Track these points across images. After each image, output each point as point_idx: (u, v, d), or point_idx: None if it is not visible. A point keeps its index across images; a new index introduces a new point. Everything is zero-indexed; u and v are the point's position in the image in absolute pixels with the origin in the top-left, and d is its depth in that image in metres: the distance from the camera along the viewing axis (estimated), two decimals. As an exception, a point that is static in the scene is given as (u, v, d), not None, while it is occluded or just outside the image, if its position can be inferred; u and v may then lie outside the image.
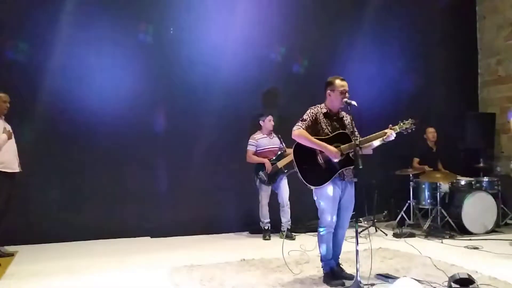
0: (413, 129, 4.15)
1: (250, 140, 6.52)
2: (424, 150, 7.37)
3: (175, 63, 6.73)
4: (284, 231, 6.40)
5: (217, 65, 6.81)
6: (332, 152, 3.94)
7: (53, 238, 6.04)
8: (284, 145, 6.45)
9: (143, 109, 6.54)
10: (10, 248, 5.58)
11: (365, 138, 4.06)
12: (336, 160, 3.96)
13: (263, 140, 6.51)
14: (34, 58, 6.08)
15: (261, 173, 6.37)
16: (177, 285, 4.12)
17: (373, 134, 4.07)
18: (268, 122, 6.51)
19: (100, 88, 6.35)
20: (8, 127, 5.38)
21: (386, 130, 4.08)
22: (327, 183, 3.99)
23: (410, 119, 4.15)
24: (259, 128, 6.61)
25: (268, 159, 6.37)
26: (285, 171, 6.28)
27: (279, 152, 6.45)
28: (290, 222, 6.36)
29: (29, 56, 6.05)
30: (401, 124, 4.13)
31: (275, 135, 6.56)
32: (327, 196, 4.02)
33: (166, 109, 6.65)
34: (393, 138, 4.07)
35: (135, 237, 6.38)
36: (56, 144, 6.19)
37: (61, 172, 6.20)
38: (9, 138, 5.30)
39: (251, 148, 6.48)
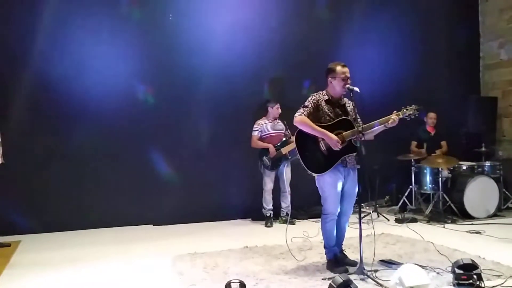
0: (416, 115, 4.12)
1: (254, 126, 6.53)
2: (422, 134, 7.35)
3: (174, 50, 6.66)
4: (283, 216, 6.44)
5: (217, 51, 6.73)
6: (333, 140, 3.92)
7: (55, 227, 6.05)
8: (289, 132, 6.44)
9: (143, 96, 6.49)
10: (13, 238, 5.59)
11: (368, 124, 4.03)
12: (337, 149, 3.94)
13: (267, 125, 6.51)
14: (31, 45, 6.01)
15: (264, 158, 6.39)
16: (180, 273, 4.13)
17: (376, 120, 4.04)
18: (275, 110, 6.54)
19: (98, 75, 6.29)
20: None
21: (390, 116, 4.04)
22: (329, 170, 3.98)
23: (413, 105, 4.11)
24: (264, 114, 6.62)
25: (273, 145, 6.37)
26: (289, 158, 6.28)
27: (284, 139, 6.45)
28: (290, 208, 6.38)
29: (27, 43, 6.00)
30: (404, 110, 4.09)
31: (279, 121, 6.56)
32: (330, 183, 4.01)
33: (166, 96, 6.60)
34: (396, 123, 4.04)
35: (137, 225, 6.38)
36: (55, 133, 6.16)
37: (62, 160, 6.17)
38: None
39: (255, 134, 6.50)
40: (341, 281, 3.17)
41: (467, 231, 5.66)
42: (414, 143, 7.34)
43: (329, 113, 4.06)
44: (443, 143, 7.33)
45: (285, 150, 6.31)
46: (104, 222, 6.26)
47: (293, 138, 6.08)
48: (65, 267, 4.44)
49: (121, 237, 5.78)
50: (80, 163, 6.25)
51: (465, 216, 6.40)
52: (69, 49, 6.19)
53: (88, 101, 6.23)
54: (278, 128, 6.53)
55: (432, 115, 7.34)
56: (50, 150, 6.13)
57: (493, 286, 3.55)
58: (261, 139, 6.49)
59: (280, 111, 6.54)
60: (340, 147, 3.94)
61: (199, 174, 6.71)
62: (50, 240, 5.69)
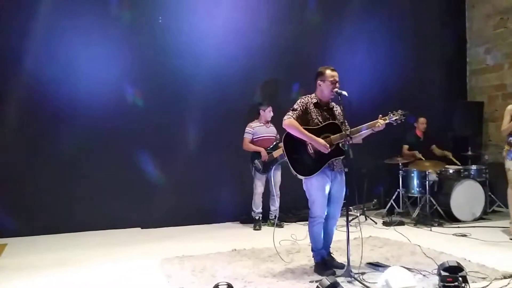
0: (403, 120, 4.16)
1: (247, 128, 6.53)
2: (412, 139, 7.41)
3: (164, 52, 6.65)
4: (272, 219, 6.46)
5: (206, 54, 6.76)
6: (321, 145, 3.95)
7: (42, 230, 6.00)
8: (278, 136, 6.48)
9: (132, 98, 6.47)
10: (-1, 241, 5.55)
11: (355, 128, 4.06)
12: (326, 152, 3.97)
13: (260, 128, 6.52)
14: (19, 47, 5.98)
15: (256, 161, 6.39)
16: (169, 276, 4.12)
17: (364, 125, 4.08)
18: (268, 113, 6.54)
19: (87, 77, 6.26)
20: None
21: (376, 121, 4.08)
22: (316, 173, 4.00)
23: (400, 110, 4.15)
24: (256, 116, 6.62)
25: (265, 148, 6.38)
26: (279, 160, 6.30)
27: (275, 143, 6.47)
28: (278, 211, 6.40)
29: (15, 44, 5.96)
30: (391, 114, 4.14)
31: (271, 125, 6.58)
32: (317, 186, 4.03)
33: (155, 98, 6.58)
34: (382, 128, 4.08)
35: (125, 228, 6.36)
36: (43, 136, 6.11)
37: (50, 164, 6.12)
38: None
39: (247, 136, 6.49)
40: (329, 283, 3.18)
41: (453, 234, 5.72)
42: (405, 146, 7.37)
43: (317, 116, 4.09)
44: (433, 147, 7.42)
45: (276, 153, 6.32)
46: (91, 225, 6.22)
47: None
48: (52, 270, 4.41)
49: (109, 240, 5.74)
50: (68, 165, 6.21)
51: (451, 219, 6.47)
52: (58, 51, 6.15)
53: (77, 103, 6.19)
54: (270, 131, 6.54)
55: (422, 120, 7.41)
56: (37, 152, 6.08)
57: (478, 289, 3.60)
58: (252, 142, 6.49)
59: (272, 114, 6.54)
60: (329, 151, 3.96)
61: (188, 177, 6.69)
62: (36, 243, 5.64)
